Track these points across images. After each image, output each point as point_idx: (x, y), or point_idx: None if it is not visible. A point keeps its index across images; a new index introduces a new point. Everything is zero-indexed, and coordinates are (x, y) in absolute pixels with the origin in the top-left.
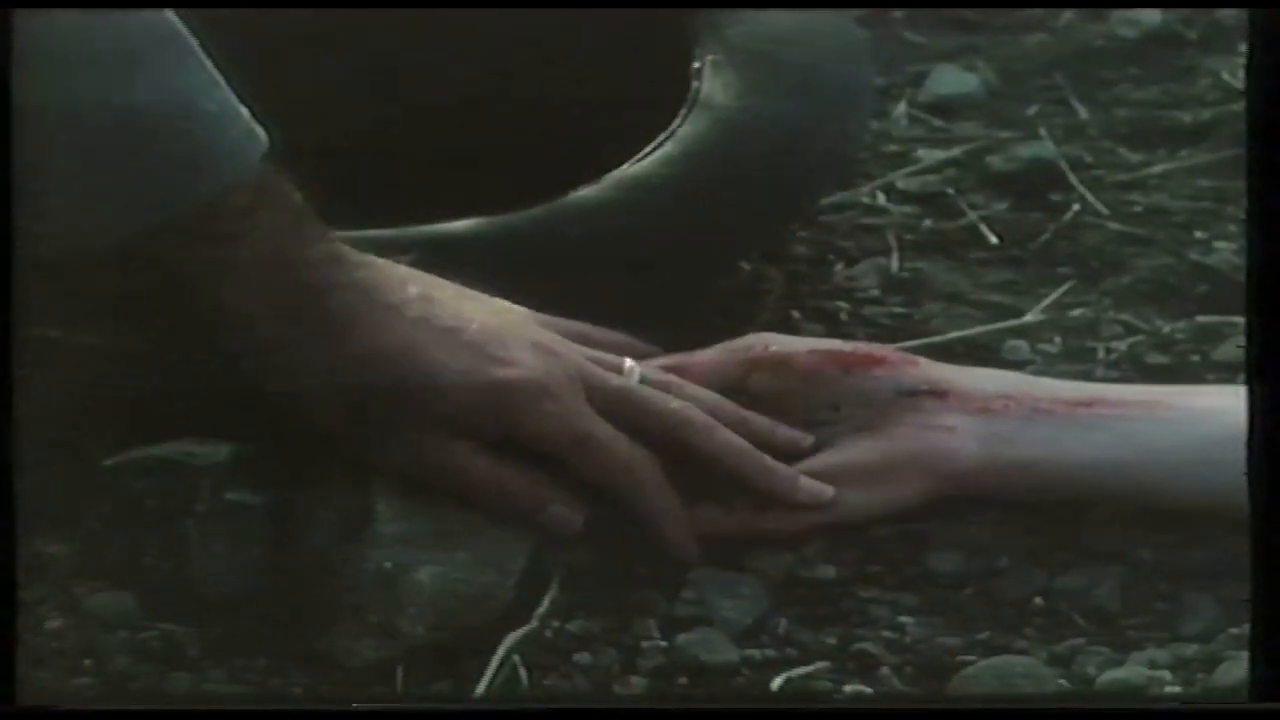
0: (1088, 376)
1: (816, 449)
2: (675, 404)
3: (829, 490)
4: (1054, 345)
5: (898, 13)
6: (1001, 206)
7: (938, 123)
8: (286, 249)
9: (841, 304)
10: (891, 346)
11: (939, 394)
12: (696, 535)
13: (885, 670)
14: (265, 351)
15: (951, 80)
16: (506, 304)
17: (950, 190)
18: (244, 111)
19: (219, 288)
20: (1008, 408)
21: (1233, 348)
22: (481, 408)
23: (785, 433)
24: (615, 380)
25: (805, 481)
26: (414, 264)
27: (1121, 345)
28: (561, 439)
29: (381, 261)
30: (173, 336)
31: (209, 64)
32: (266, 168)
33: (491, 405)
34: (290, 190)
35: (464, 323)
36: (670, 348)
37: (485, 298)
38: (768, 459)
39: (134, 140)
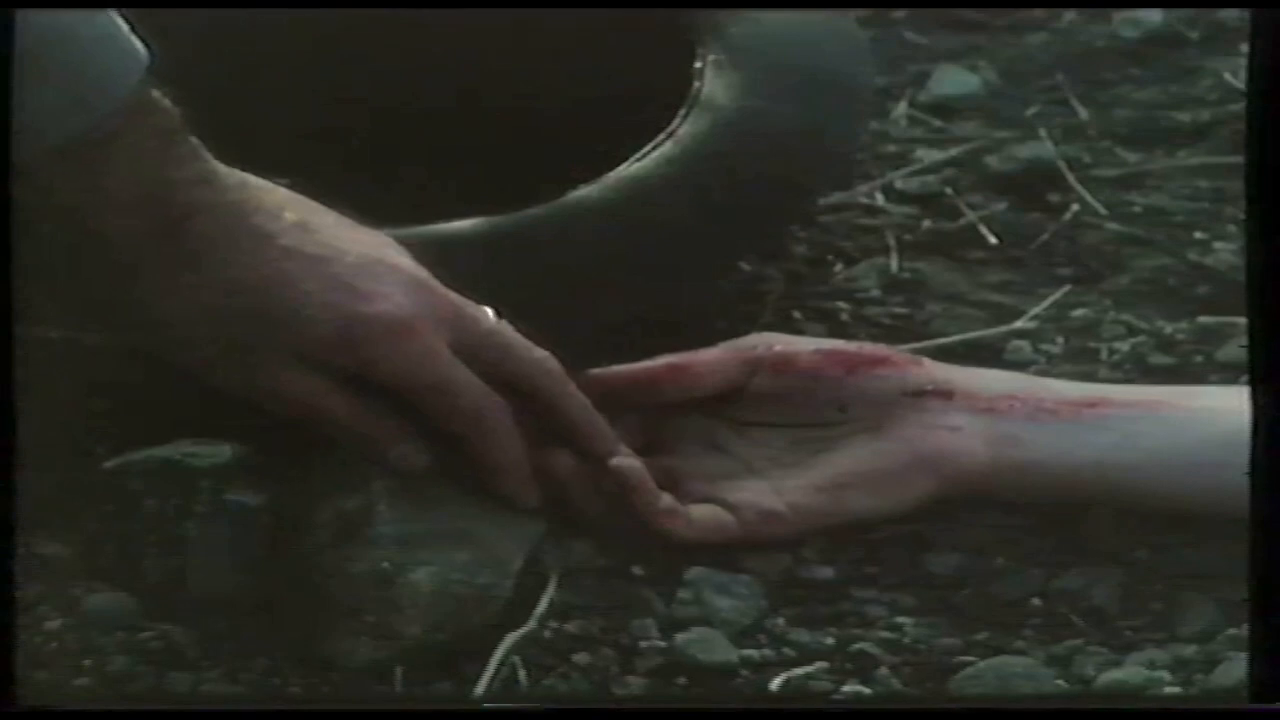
0: (1091, 377)
1: (812, 450)
2: (538, 353)
3: (639, 465)
4: (1056, 346)
5: (899, 13)
6: (1000, 207)
7: (937, 123)
8: (157, 170)
9: (841, 304)
10: (898, 348)
11: (944, 394)
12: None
13: (884, 671)
14: (139, 276)
15: (953, 80)
16: (387, 238)
17: (949, 190)
18: (122, 32)
19: (99, 214)
20: (1013, 408)
21: (1235, 348)
22: (339, 343)
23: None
24: (486, 323)
25: (623, 450)
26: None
27: (1124, 346)
28: (415, 380)
29: (258, 184)
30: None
31: None
32: (140, 88)
33: (349, 340)
34: (164, 108)
35: (337, 253)
36: (671, 348)
37: (367, 230)
38: (601, 420)
39: (27, 77)
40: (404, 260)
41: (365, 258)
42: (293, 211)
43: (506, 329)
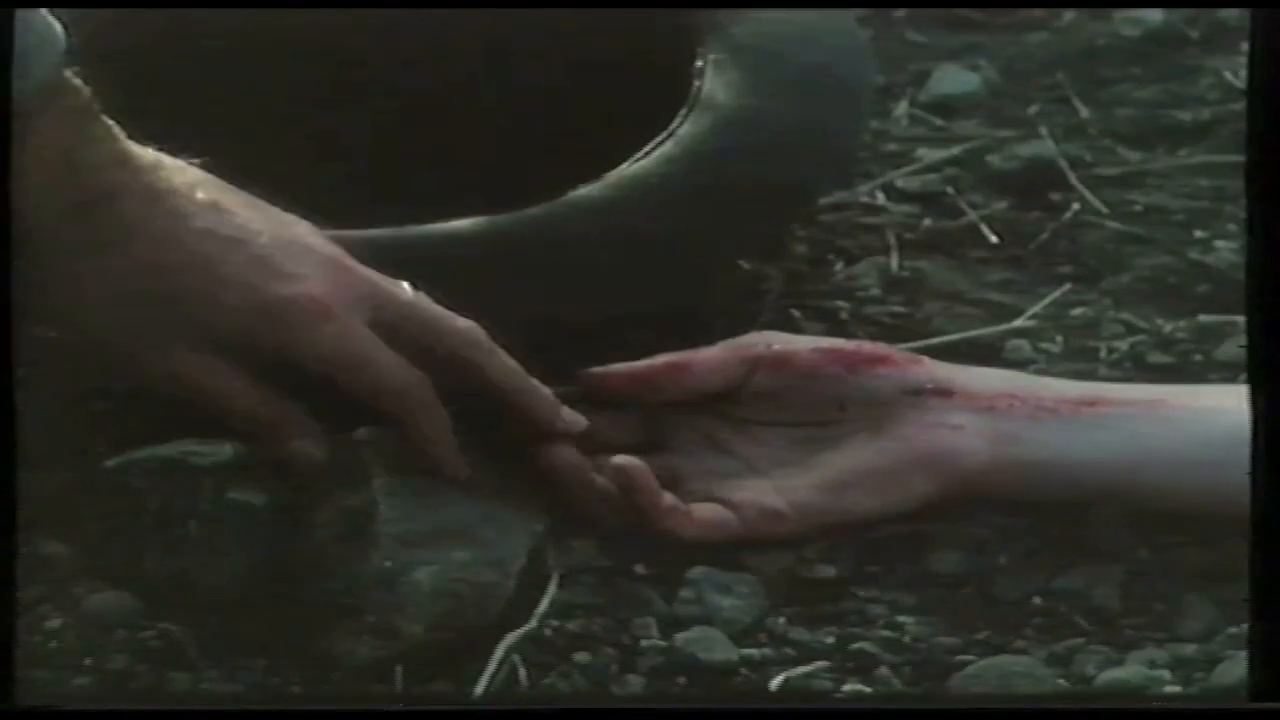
0: (1090, 376)
1: (813, 449)
2: (462, 322)
3: (583, 421)
4: (1056, 345)
5: (900, 12)
6: (1001, 206)
7: (938, 122)
8: (72, 152)
9: (841, 303)
10: (898, 347)
11: (944, 392)
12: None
13: (884, 670)
14: (53, 259)
15: (954, 79)
16: (296, 217)
17: (950, 189)
18: (39, 14)
19: (16, 195)
20: (1013, 407)
21: (1234, 347)
22: (257, 327)
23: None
24: (405, 295)
25: (566, 411)
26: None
27: (1123, 344)
28: (335, 361)
29: (171, 163)
30: None
31: None
32: (56, 69)
33: (267, 324)
34: (78, 89)
35: (252, 235)
36: (671, 347)
37: (275, 210)
38: (537, 384)
39: None
40: (317, 239)
41: (279, 238)
42: (205, 191)
43: (425, 301)
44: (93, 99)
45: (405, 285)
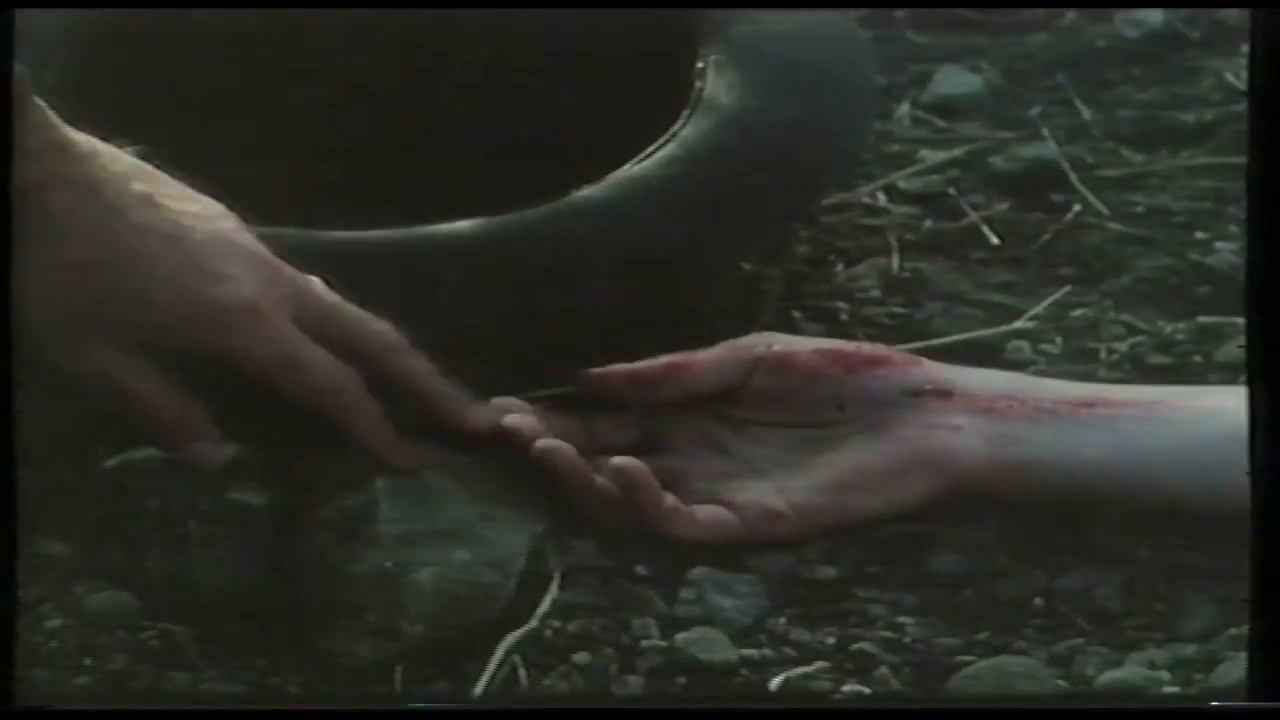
0: (1090, 377)
1: (812, 450)
2: (378, 324)
3: (498, 416)
4: (1056, 346)
5: (901, 13)
6: (1003, 207)
7: (940, 123)
8: (6, 138)
9: (842, 304)
10: (897, 348)
11: (944, 394)
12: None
13: (884, 670)
14: None
15: (955, 81)
16: (224, 209)
17: (951, 191)
18: None
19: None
20: (1012, 408)
21: (1234, 348)
22: (193, 329)
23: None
24: (328, 295)
25: (481, 408)
26: (142, 156)
27: (1123, 346)
28: (269, 362)
29: (106, 151)
30: None
31: None
32: None
33: (204, 327)
34: (13, 74)
35: (185, 231)
36: (671, 348)
37: (206, 199)
38: (449, 386)
39: None
40: (244, 235)
41: (211, 234)
42: (140, 182)
43: (343, 301)
44: (29, 85)
45: (319, 282)
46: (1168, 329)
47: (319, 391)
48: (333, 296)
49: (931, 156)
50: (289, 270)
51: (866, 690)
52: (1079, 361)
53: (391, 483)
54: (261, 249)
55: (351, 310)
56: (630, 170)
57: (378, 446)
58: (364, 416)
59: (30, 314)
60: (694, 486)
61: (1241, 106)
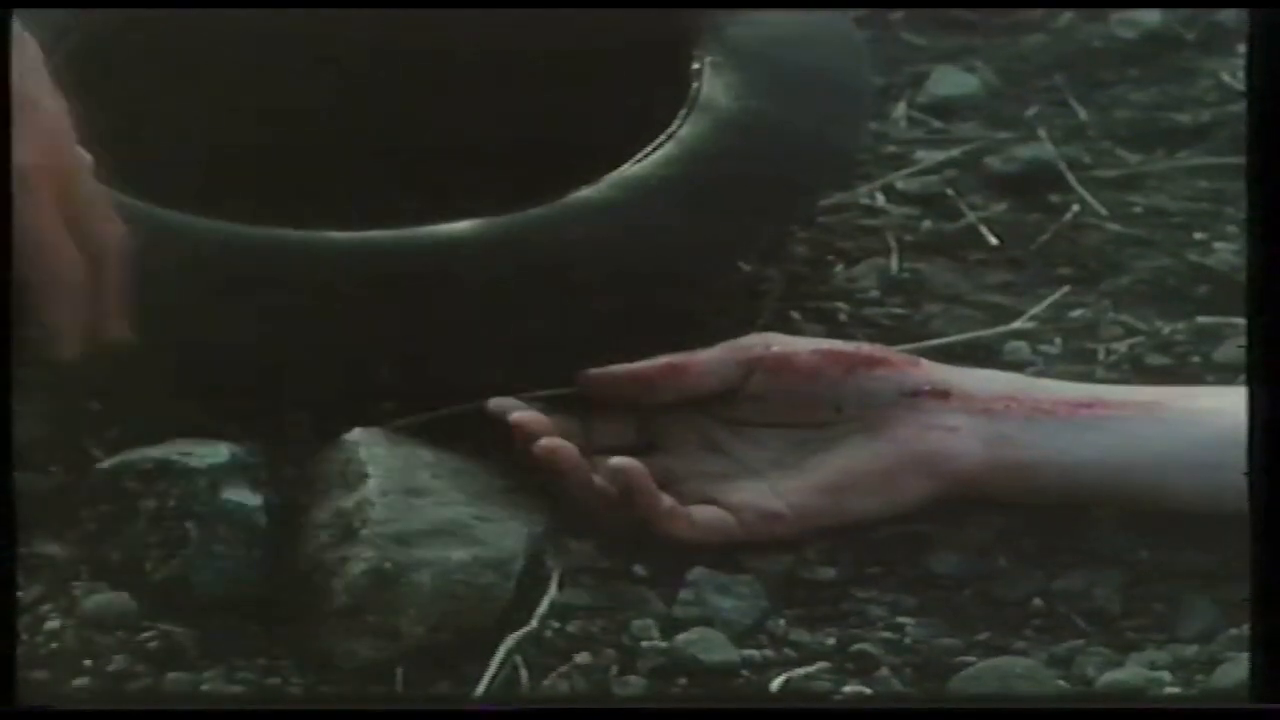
0: (1088, 378)
1: (810, 450)
2: (117, 226)
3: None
4: (1054, 346)
5: (897, 13)
6: (1001, 207)
7: (937, 124)
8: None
9: (841, 305)
10: (896, 349)
11: (941, 395)
12: None
13: (884, 671)
14: None
15: (951, 81)
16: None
17: (950, 191)
18: None
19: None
20: (1010, 409)
21: (1233, 349)
22: None
23: None
24: (89, 186)
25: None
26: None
27: (1121, 346)
28: (16, 233)
29: None
30: None
31: None
32: None
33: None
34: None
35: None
36: (670, 348)
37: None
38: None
39: None
40: (52, 100)
41: (18, 95)
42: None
43: (99, 189)
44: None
45: (92, 162)
46: (1166, 329)
47: (38, 268)
48: (94, 184)
49: (929, 157)
50: (79, 152)
51: (867, 691)
52: (1077, 362)
53: (390, 483)
54: (64, 124)
55: (101, 205)
56: (628, 171)
57: (58, 339)
58: (60, 309)
59: None
60: (691, 487)
61: (1238, 107)
